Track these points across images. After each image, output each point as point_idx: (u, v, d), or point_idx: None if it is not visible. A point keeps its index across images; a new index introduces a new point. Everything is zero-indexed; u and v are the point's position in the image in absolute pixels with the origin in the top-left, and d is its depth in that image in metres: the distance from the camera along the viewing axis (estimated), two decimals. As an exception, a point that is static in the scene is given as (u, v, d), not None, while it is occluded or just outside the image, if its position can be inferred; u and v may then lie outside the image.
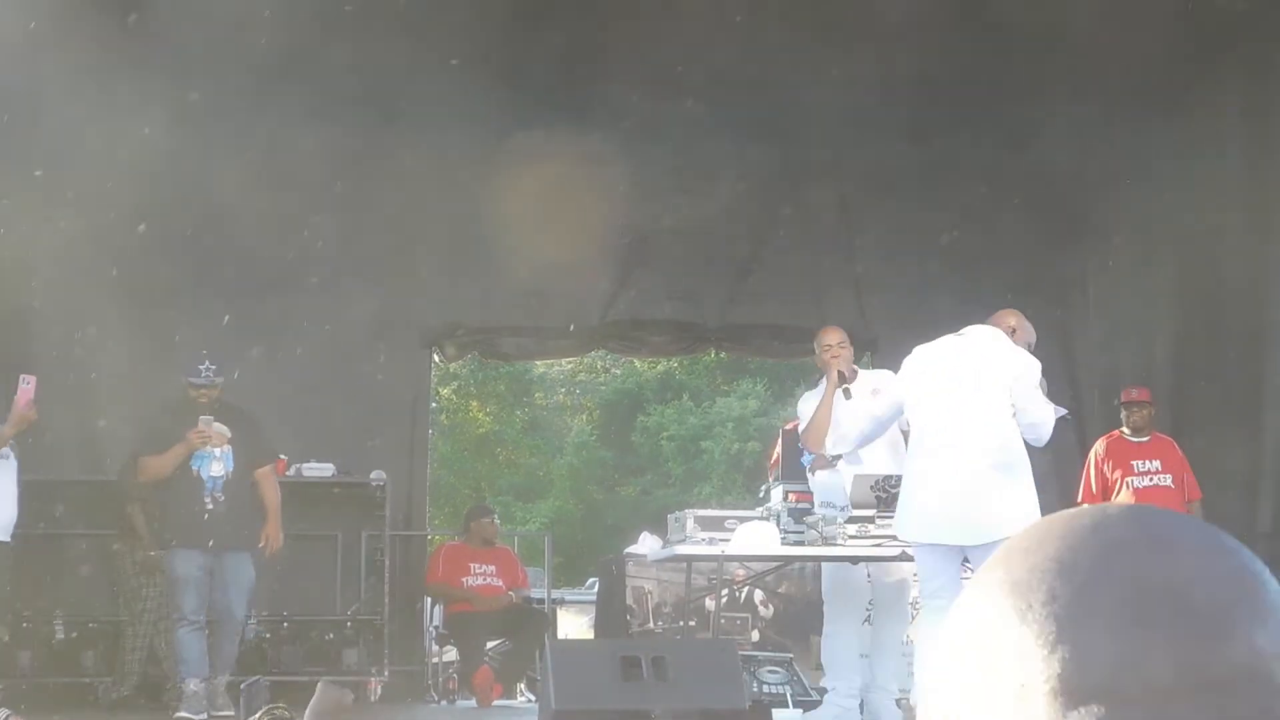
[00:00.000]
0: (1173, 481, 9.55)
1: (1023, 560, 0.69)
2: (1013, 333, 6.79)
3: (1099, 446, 9.72)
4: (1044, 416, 6.55)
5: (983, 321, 6.86)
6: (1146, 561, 0.67)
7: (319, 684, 3.36)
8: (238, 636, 8.78)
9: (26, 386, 8.16)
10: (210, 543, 8.47)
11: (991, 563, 0.71)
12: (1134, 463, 9.59)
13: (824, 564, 7.68)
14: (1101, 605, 0.66)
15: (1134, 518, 0.70)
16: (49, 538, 10.03)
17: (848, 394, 7.41)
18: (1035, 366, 6.65)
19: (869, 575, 7.56)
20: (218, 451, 8.59)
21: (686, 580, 8.58)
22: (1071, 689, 0.64)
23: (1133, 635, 0.64)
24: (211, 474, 8.56)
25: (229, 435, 8.59)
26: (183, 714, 8.47)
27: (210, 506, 8.53)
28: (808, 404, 7.74)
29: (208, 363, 8.67)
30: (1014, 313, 6.93)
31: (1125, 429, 9.74)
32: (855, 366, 7.71)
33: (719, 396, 29.84)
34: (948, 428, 6.52)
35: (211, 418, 8.56)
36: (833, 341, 7.61)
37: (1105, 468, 9.58)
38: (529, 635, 10.28)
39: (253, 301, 10.65)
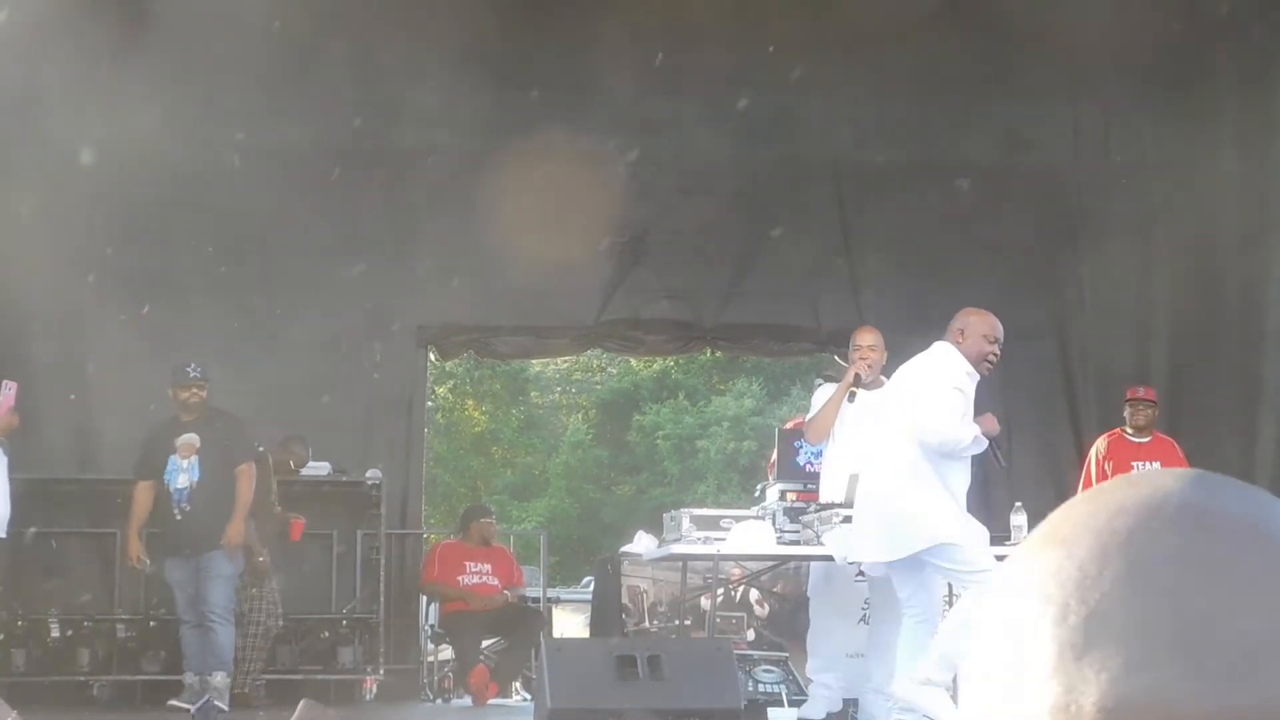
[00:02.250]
0: None
1: (1051, 558, 0.64)
2: (960, 335, 6.72)
3: (1100, 444, 9.66)
4: (931, 430, 6.52)
5: None
6: (1176, 582, 0.61)
7: (300, 703, 3.36)
8: (226, 630, 8.83)
9: (8, 393, 8.20)
10: (186, 549, 8.79)
11: (1028, 551, 0.66)
12: (1134, 464, 9.52)
13: (812, 562, 7.69)
14: (1113, 631, 0.60)
15: (1181, 524, 0.62)
16: (44, 536, 10.02)
17: (852, 397, 7.49)
18: (937, 377, 6.60)
19: (860, 574, 7.56)
20: (184, 463, 8.84)
21: (682, 579, 8.59)
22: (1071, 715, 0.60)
23: (1143, 671, 0.59)
24: (178, 485, 8.83)
25: (197, 445, 8.83)
26: (173, 702, 8.77)
27: (179, 516, 8.80)
28: (821, 395, 7.81)
29: (193, 364, 8.94)
30: (968, 312, 6.83)
31: (1127, 428, 9.67)
32: (883, 377, 7.65)
33: (715, 396, 29.84)
34: (872, 450, 6.84)
35: (195, 435, 8.82)
36: (863, 343, 7.68)
37: (1106, 466, 9.51)
38: (524, 634, 10.28)
39: (249, 299, 10.65)
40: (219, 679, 8.73)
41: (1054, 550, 0.64)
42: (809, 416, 7.81)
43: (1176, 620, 0.60)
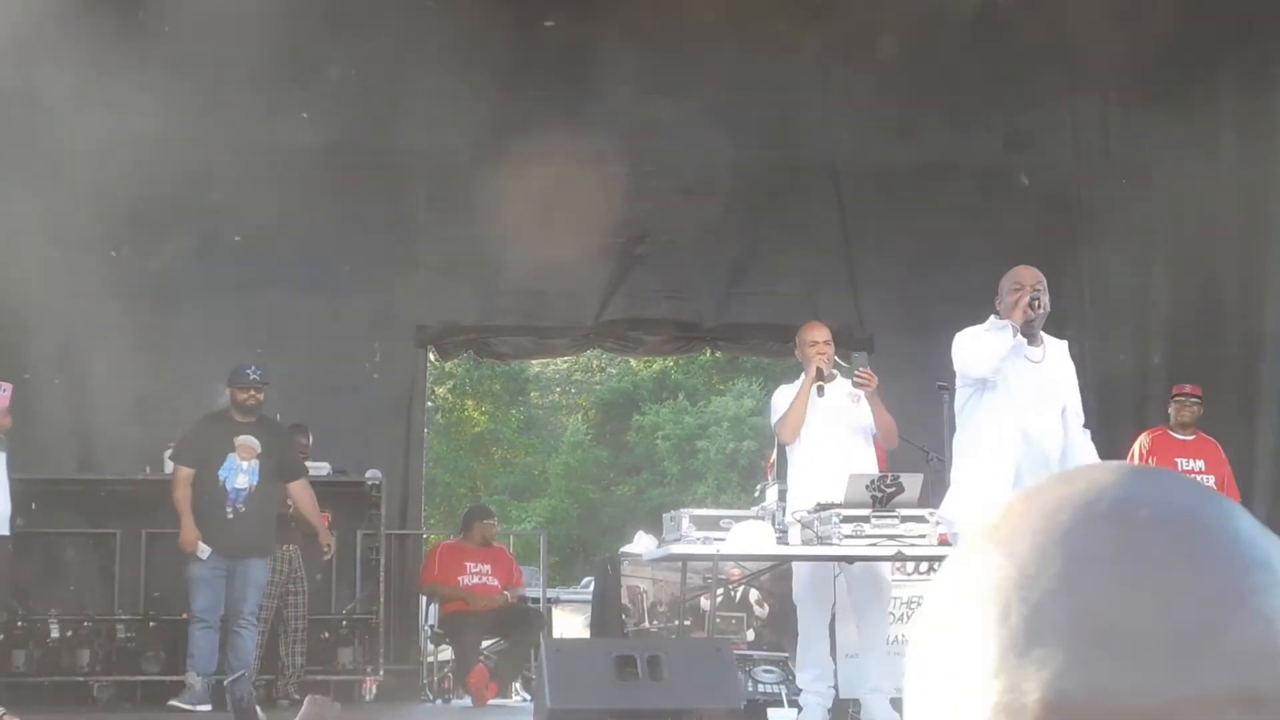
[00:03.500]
0: (1215, 483, 9.43)
1: (991, 558, 0.65)
2: (997, 302, 6.75)
3: (1143, 440, 9.56)
4: (958, 368, 6.62)
5: (980, 320, 6.85)
6: (1113, 578, 0.62)
7: (306, 698, 3.36)
8: (252, 634, 8.93)
9: (2, 394, 8.19)
10: (231, 550, 8.80)
11: (967, 551, 0.67)
12: (1178, 460, 9.43)
13: (795, 565, 7.66)
14: (1054, 628, 0.62)
15: (1117, 519, 0.64)
16: (44, 536, 10.02)
17: (821, 391, 7.47)
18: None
19: (837, 574, 7.54)
20: (245, 465, 8.87)
21: (682, 580, 8.58)
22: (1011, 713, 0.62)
23: (1084, 667, 0.61)
24: (236, 486, 8.85)
25: (258, 450, 8.89)
26: (174, 702, 8.74)
27: (230, 516, 8.81)
28: (782, 397, 7.74)
29: (254, 366, 8.99)
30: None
31: (1171, 425, 9.60)
32: (835, 370, 7.68)
33: (714, 396, 29.86)
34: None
35: (255, 440, 8.88)
36: (819, 338, 7.63)
37: (1150, 463, 9.41)
38: (524, 634, 10.28)
39: (248, 299, 10.65)
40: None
41: (994, 550, 0.65)
42: (775, 418, 7.72)
43: (1114, 616, 0.62)
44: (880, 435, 7.60)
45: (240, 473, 8.85)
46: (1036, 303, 6.59)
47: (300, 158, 10.56)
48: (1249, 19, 10.86)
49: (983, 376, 6.52)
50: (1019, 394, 6.51)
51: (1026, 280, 6.63)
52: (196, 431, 9.05)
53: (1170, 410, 9.61)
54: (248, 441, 8.87)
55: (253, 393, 8.93)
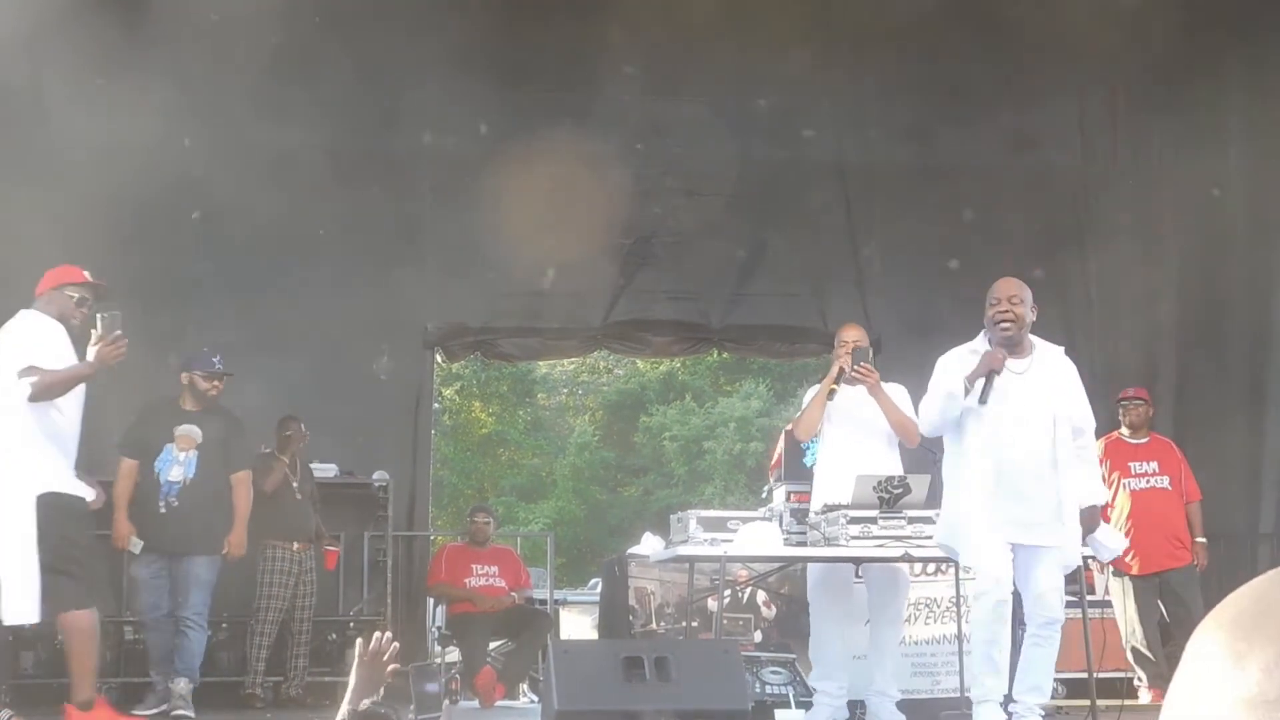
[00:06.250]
0: (1170, 483, 9.48)
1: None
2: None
3: (1098, 445, 9.64)
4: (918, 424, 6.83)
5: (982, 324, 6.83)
6: None
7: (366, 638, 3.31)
8: (200, 636, 8.60)
9: None
10: (165, 546, 8.48)
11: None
12: (1131, 464, 9.52)
13: (809, 565, 7.67)
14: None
15: None
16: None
17: (832, 395, 7.45)
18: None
19: (858, 576, 7.55)
20: (181, 456, 8.53)
21: (689, 581, 8.57)
22: None
23: None
24: (169, 478, 8.52)
25: (198, 440, 8.54)
26: (136, 711, 8.47)
27: (163, 510, 8.49)
28: (809, 395, 7.79)
29: (219, 355, 8.72)
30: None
31: (1123, 429, 9.68)
32: (866, 366, 7.56)
33: (721, 397, 29.86)
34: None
35: (196, 429, 8.55)
36: (848, 338, 7.61)
37: (1102, 468, 9.49)
38: (532, 636, 10.28)
39: (255, 302, 10.65)
40: (182, 686, 8.44)
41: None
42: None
43: None
44: (897, 432, 7.55)
45: (175, 464, 8.49)
46: (1006, 323, 6.46)
47: (305, 158, 10.56)
48: (1255, 17, 10.85)
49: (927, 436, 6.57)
50: (997, 406, 6.41)
51: (1001, 294, 6.57)
52: (140, 421, 8.69)
53: (1119, 415, 9.67)
54: (187, 431, 8.51)
55: (217, 384, 8.61)
